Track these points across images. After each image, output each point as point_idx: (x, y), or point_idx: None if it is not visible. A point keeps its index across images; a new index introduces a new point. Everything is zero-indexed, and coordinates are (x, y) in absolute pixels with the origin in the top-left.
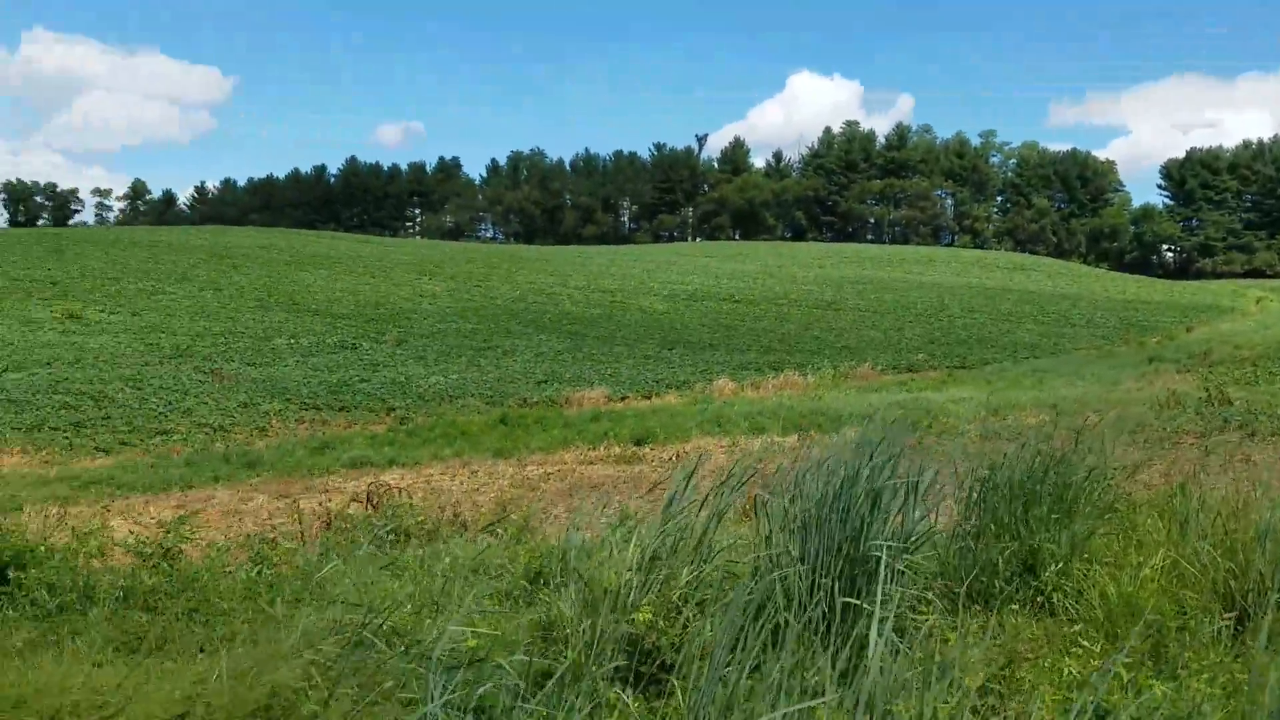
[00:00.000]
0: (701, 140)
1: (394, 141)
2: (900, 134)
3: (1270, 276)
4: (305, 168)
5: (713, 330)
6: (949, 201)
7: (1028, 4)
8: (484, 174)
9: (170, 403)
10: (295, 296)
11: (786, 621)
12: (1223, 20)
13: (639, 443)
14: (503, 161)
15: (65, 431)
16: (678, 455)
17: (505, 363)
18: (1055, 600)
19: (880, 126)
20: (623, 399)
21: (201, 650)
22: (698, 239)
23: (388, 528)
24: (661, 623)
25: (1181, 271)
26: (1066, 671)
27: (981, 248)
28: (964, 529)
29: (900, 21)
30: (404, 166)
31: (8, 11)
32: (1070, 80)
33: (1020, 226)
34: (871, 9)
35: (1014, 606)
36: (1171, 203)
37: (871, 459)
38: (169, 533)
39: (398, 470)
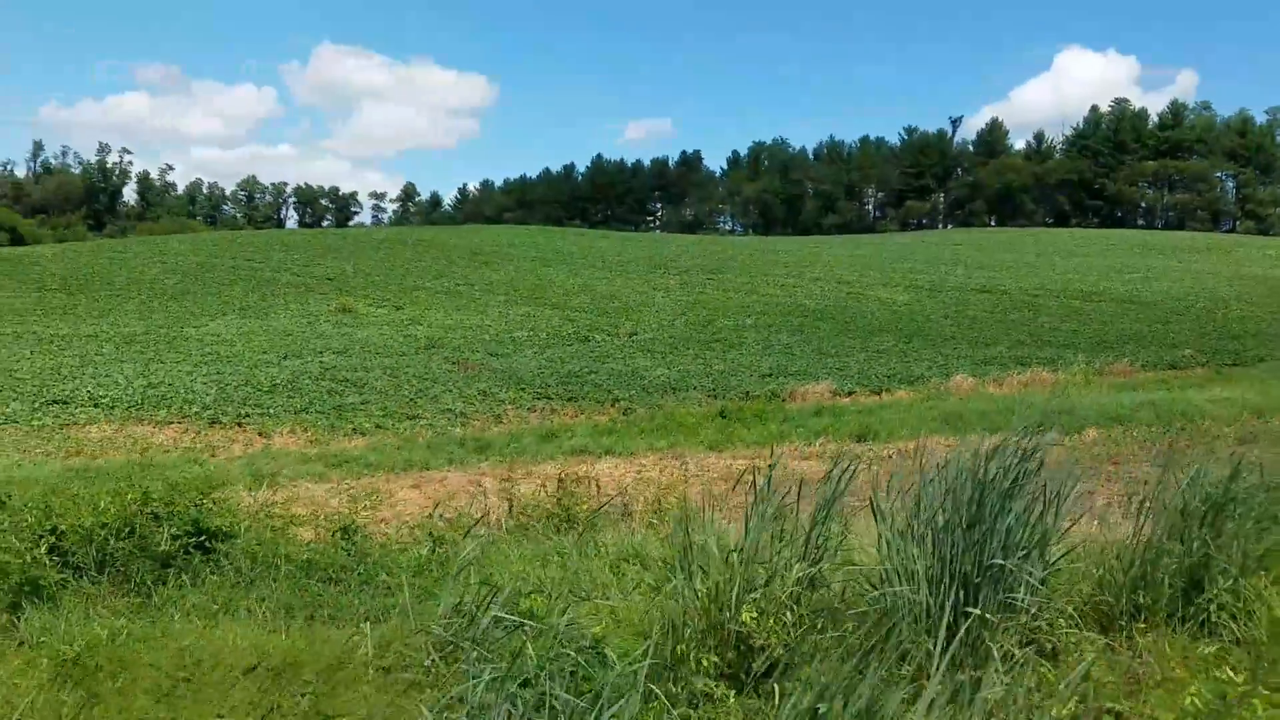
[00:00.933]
0: (956, 122)
1: (641, 139)
2: (1175, 112)
3: None
4: (558, 167)
5: (956, 323)
6: (1230, 184)
7: None
8: (724, 166)
9: (420, 390)
10: (538, 291)
11: (894, 635)
12: None
13: (859, 439)
14: (744, 153)
15: (328, 415)
16: (898, 453)
17: (731, 356)
18: (1217, 620)
19: (1156, 105)
20: (849, 394)
21: (368, 620)
22: (949, 226)
23: (562, 515)
24: (772, 622)
25: None
26: (1190, 700)
27: (1267, 234)
28: (1131, 543)
29: None
30: (647, 163)
31: (300, 27)
32: None
33: None
34: None
35: (1173, 626)
36: None
37: (999, 464)
38: (353, 510)
39: (612, 459)
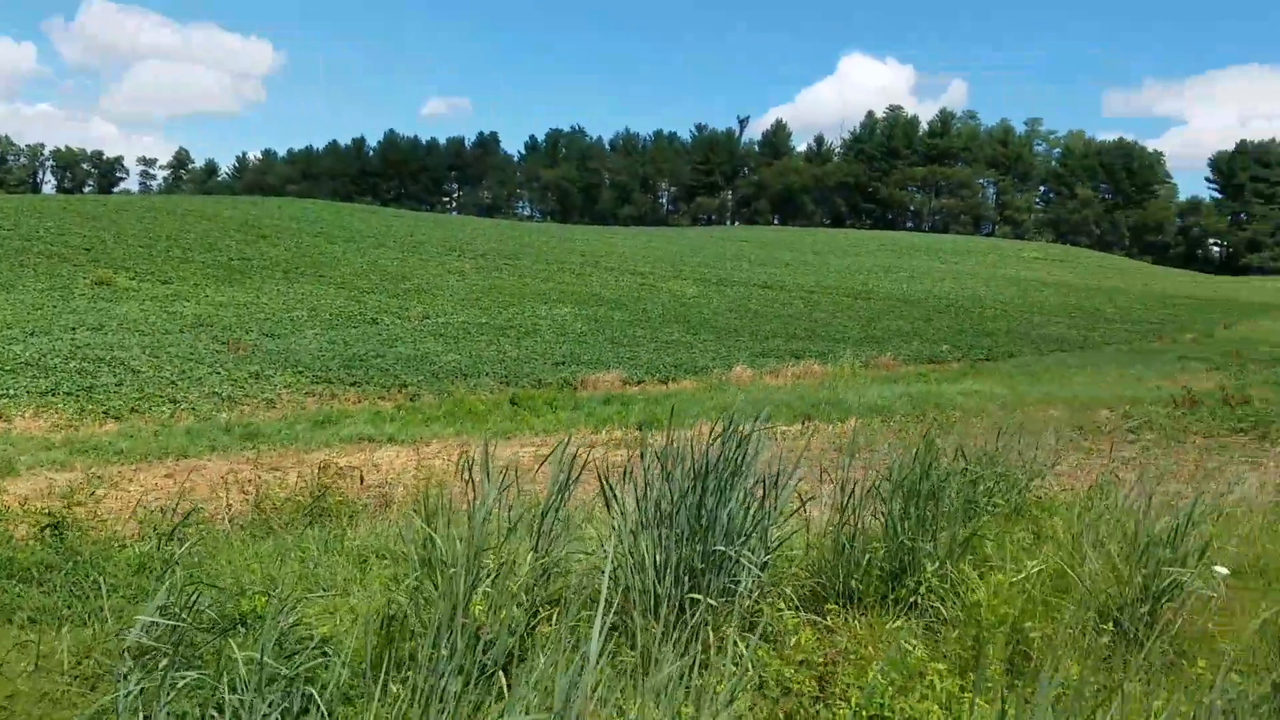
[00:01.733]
0: (743, 122)
1: (438, 116)
2: (944, 120)
3: None
4: (348, 140)
5: (740, 316)
6: (991, 191)
7: None
8: (522, 151)
9: (183, 371)
10: (322, 269)
11: (622, 621)
12: None
13: (642, 427)
14: (541, 138)
15: (77, 396)
16: (675, 440)
17: (526, 343)
18: (925, 602)
19: (929, 113)
20: (639, 383)
21: (84, 624)
22: (736, 223)
23: (311, 508)
24: (505, 614)
25: (1227, 267)
26: (874, 675)
27: (1021, 238)
28: (843, 528)
29: (955, 2)
30: (443, 141)
31: None
32: (1127, 68)
33: (1062, 218)
34: None
35: (885, 608)
36: (1220, 196)
37: (721, 452)
38: (69, 501)
39: (394, 448)
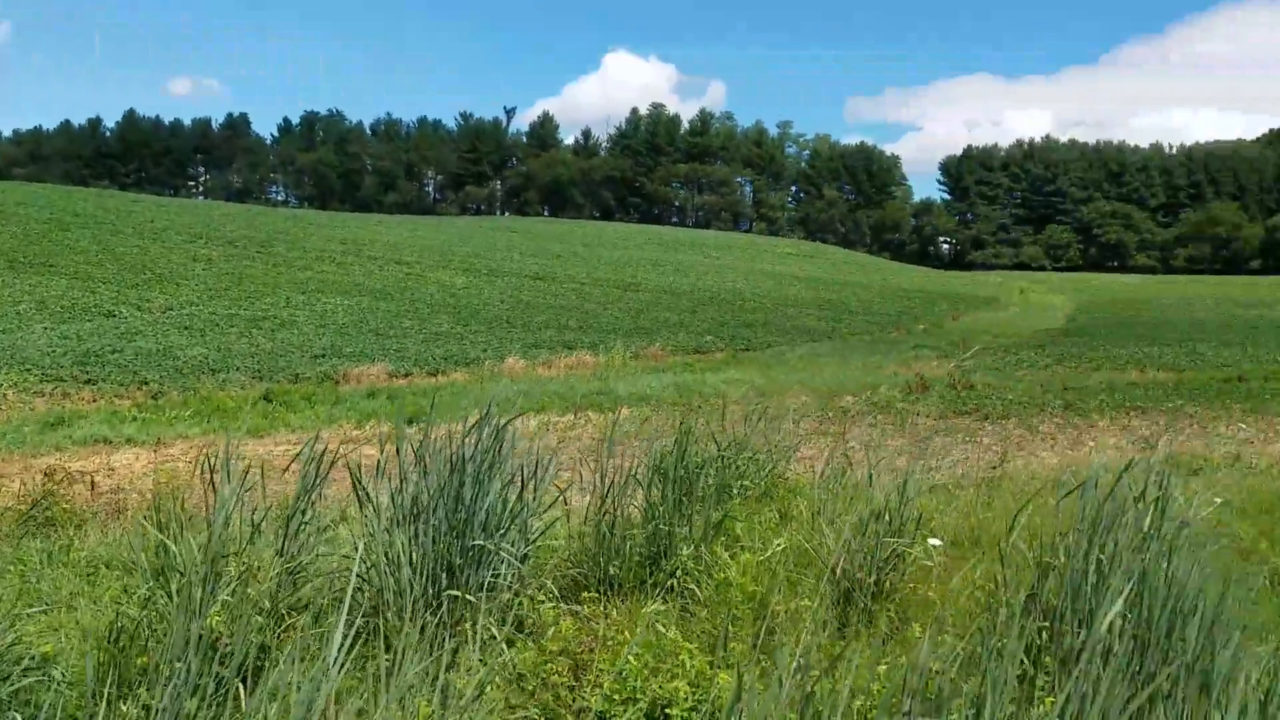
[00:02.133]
0: (510, 112)
1: (184, 97)
2: (704, 119)
3: (1035, 269)
4: (82, 120)
5: (512, 307)
6: (748, 189)
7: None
8: (275, 133)
9: None
10: (51, 257)
11: (375, 623)
12: (1012, 21)
13: (410, 422)
14: (295, 121)
15: None
16: (441, 434)
17: (282, 335)
18: (681, 585)
19: (691, 111)
20: (406, 376)
21: None
22: (506, 213)
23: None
24: (246, 623)
25: (956, 263)
26: (625, 659)
27: (776, 235)
28: (603, 517)
29: (715, 5)
30: (188, 122)
31: None
32: (870, 75)
33: (812, 216)
34: None
35: (644, 593)
36: (949, 198)
37: (478, 442)
38: None
39: (133, 450)
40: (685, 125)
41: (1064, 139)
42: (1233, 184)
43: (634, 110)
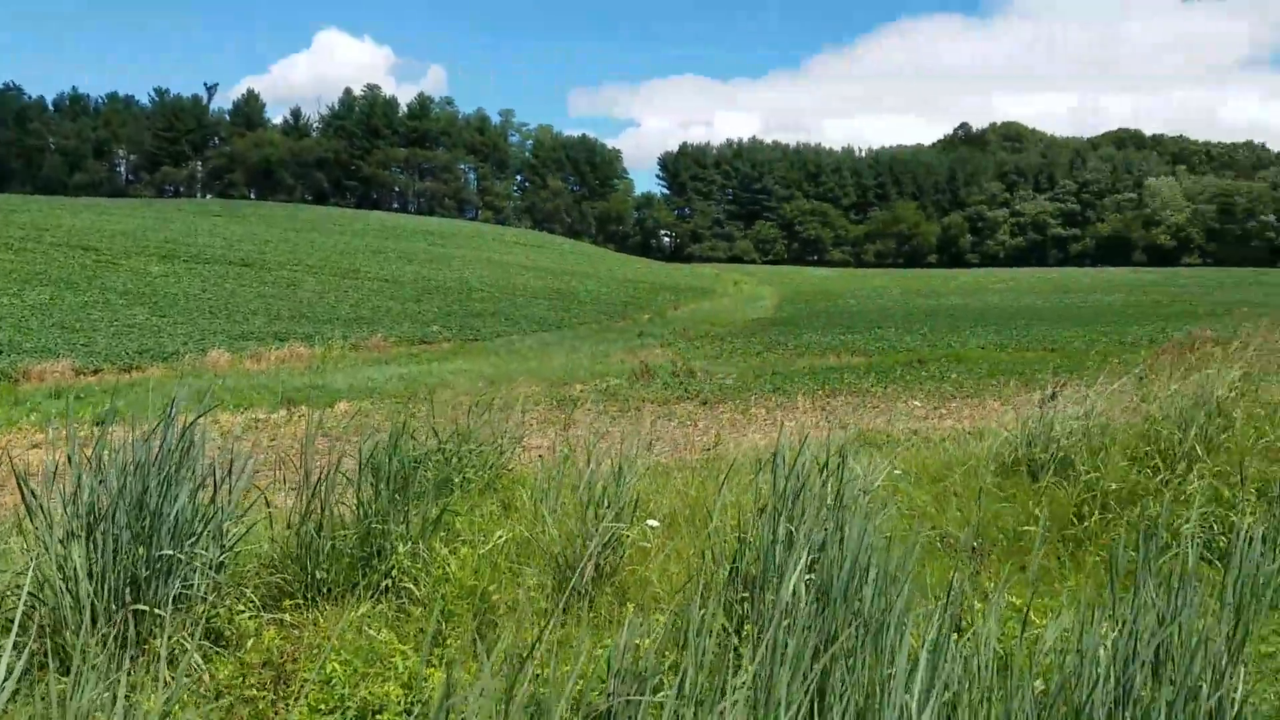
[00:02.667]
0: (211, 90)
1: None
2: (422, 104)
3: (748, 262)
4: None
5: (215, 296)
6: (472, 176)
7: None
8: None
9: None
10: None
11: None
12: (720, 26)
13: (99, 423)
14: None
15: None
16: (132, 435)
17: None
18: (396, 585)
19: (408, 95)
20: (96, 372)
21: None
22: (209, 196)
23: None
24: None
25: (677, 255)
26: (329, 666)
27: (503, 224)
28: (310, 518)
29: None
30: None
31: None
32: (590, 70)
33: (538, 206)
34: None
35: (357, 595)
36: (668, 192)
37: (162, 442)
38: None
39: None
40: (404, 108)
41: (769, 140)
42: (913, 185)
43: (348, 90)
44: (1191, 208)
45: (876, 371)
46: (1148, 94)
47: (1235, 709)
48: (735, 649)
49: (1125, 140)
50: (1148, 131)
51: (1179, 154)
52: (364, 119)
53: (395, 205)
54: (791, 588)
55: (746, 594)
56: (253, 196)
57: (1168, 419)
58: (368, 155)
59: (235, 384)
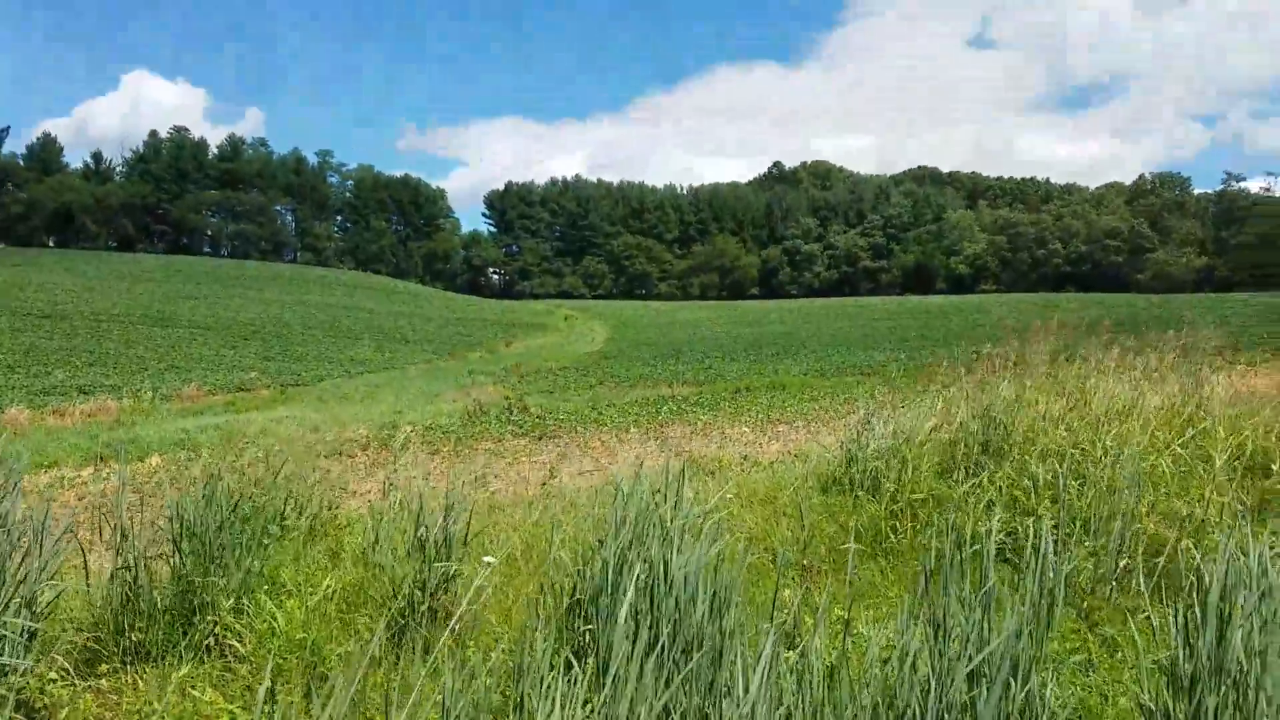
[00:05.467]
0: (3, 133)
1: None
2: (234, 145)
3: (576, 297)
4: None
5: (10, 350)
6: (290, 218)
7: (381, 30)
8: None
9: None
10: None
11: None
12: (545, 69)
13: None
14: None
15: None
16: None
17: None
18: (220, 643)
19: (219, 137)
20: None
21: None
22: (3, 245)
23: None
24: None
25: (507, 292)
26: None
27: (325, 265)
28: (124, 578)
29: (250, 33)
30: None
31: None
32: (419, 111)
33: (361, 246)
34: (219, 16)
35: (178, 656)
36: (495, 230)
37: None
38: None
39: None
40: (214, 150)
41: (594, 179)
42: (733, 220)
43: (153, 133)
44: (987, 238)
45: (706, 401)
46: (944, 133)
47: (1042, 705)
48: (575, 681)
49: (924, 177)
50: (945, 169)
51: (974, 189)
52: (172, 162)
53: (208, 250)
54: (623, 616)
55: (589, 626)
56: (52, 244)
57: (965, 432)
58: (177, 199)
59: (38, 442)
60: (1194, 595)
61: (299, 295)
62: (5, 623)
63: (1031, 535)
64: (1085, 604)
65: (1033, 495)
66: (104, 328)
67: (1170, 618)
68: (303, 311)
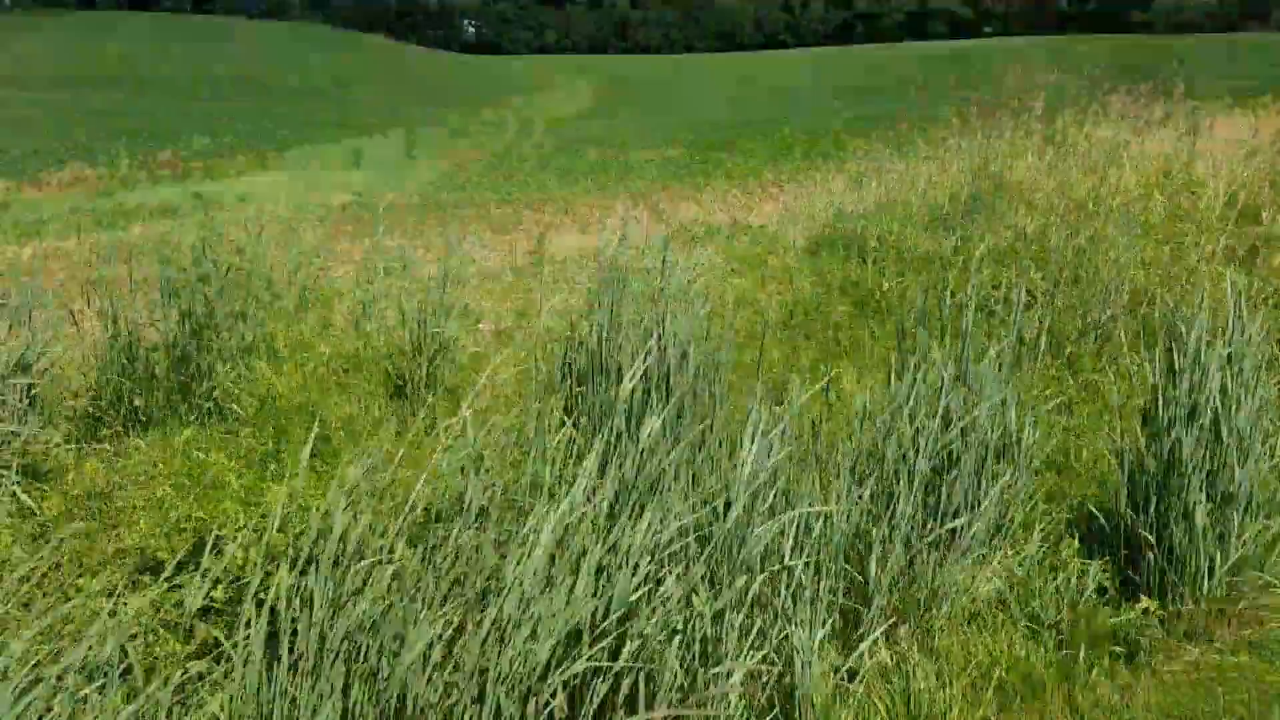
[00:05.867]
0: None
1: None
2: None
3: (559, 51)
4: None
5: None
6: None
7: None
8: None
9: None
10: None
11: None
12: None
13: None
14: None
15: None
16: None
17: None
18: (220, 406)
19: None
20: None
21: None
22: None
23: None
24: None
25: (483, 47)
26: (163, 491)
27: (283, 15)
28: (118, 343)
29: None
30: None
31: None
32: None
33: None
34: None
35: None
36: None
37: None
38: None
39: None
40: None
41: None
42: None
43: None
44: None
45: (699, 163)
46: None
47: (1019, 447)
48: (573, 441)
49: None
50: None
51: None
52: None
53: (170, 4)
54: (630, 384)
55: (581, 388)
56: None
57: (956, 185)
58: None
59: (17, 216)
60: (1166, 341)
61: (271, 51)
62: (5, 384)
63: (1010, 287)
64: (1068, 352)
65: (1018, 249)
66: (77, 93)
67: (1148, 364)
68: (283, 69)
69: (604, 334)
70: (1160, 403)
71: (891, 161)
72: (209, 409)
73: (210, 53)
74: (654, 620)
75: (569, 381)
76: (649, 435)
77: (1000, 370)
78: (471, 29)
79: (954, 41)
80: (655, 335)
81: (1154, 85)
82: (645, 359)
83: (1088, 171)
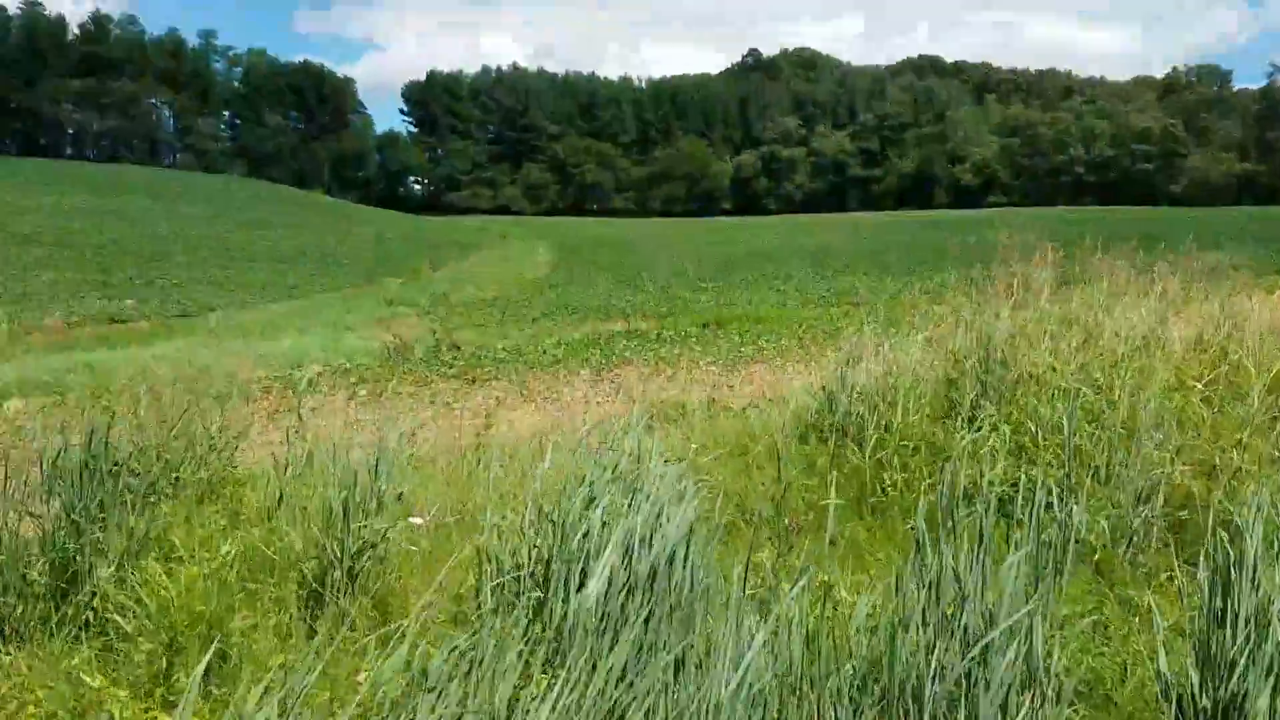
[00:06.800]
0: None
1: None
2: (99, 24)
3: (515, 213)
4: None
5: None
6: (167, 113)
7: None
8: None
9: None
10: None
11: None
12: None
13: None
14: None
15: None
16: None
17: None
18: (104, 616)
19: (84, 14)
20: None
21: None
22: None
23: None
24: None
25: (432, 206)
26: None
27: (211, 170)
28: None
29: None
30: None
31: None
32: None
33: (254, 147)
34: None
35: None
36: (416, 130)
37: None
38: None
39: None
40: (75, 31)
41: (535, 68)
42: (700, 120)
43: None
44: (997, 142)
45: (669, 336)
46: (950, 15)
47: (1047, 675)
48: (526, 661)
49: (926, 68)
50: (949, 58)
51: (984, 82)
52: (24, 43)
53: (70, 152)
54: (598, 586)
55: (539, 594)
56: None
57: (960, 370)
58: (30, 88)
59: None
60: (1219, 555)
61: (182, 207)
62: None
63: (1030, 484)
64: (1096, 560)
65: (1039, 440)
66: None
67: (1200, 578)
68: (186, 227)
69: (562, 535)
70: (1211, 625)
71: (887, 340)
72: (87, 619)
73: (108, 204)
74: None
75: (526, 589)
76: (609, 670)
77: (1016, 579)
78: (418, 186)
79: (958, 211)
80: (624, 537)
81: (1182, 261)
82: (608, 573)
83: (1111, 356)
